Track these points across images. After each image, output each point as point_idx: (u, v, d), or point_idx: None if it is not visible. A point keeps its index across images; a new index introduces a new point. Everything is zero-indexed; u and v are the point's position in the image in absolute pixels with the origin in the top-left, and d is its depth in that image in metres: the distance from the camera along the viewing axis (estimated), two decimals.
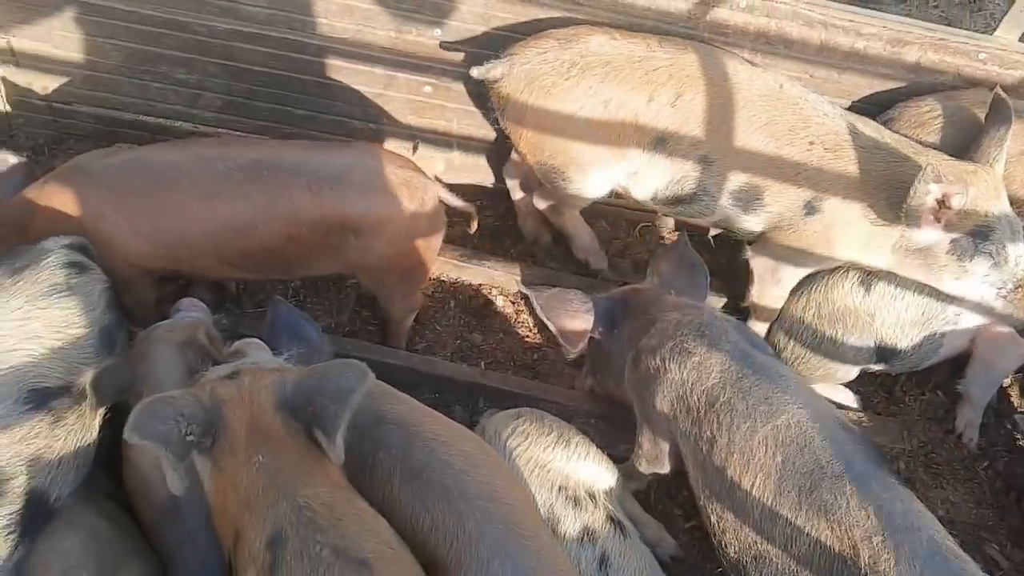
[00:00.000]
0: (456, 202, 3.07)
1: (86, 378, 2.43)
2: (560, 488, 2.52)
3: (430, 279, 3.53)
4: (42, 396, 2.35)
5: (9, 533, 2.21)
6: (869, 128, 3.00)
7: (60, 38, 3.51)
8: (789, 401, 2.40)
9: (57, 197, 2.81)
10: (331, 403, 2.01)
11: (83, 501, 2.40)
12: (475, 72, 3.11)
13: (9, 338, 2.37)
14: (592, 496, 2.57)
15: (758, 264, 3.21)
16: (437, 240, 3.08)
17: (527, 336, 3.49)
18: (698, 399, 2.48)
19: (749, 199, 3.04)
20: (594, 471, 2.66)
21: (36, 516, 2.28)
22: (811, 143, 2.95)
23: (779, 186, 3.00)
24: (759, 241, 3.19)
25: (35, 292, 2.47)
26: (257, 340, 2.58)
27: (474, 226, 3.24)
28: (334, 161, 2.87)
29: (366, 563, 1.87)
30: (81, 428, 2.43)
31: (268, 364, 2.28)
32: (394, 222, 2.89)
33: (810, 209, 2.99)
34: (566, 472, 2.57)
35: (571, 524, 2.46)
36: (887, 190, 2.91)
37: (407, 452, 2.21)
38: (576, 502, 2.51)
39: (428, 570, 2.04)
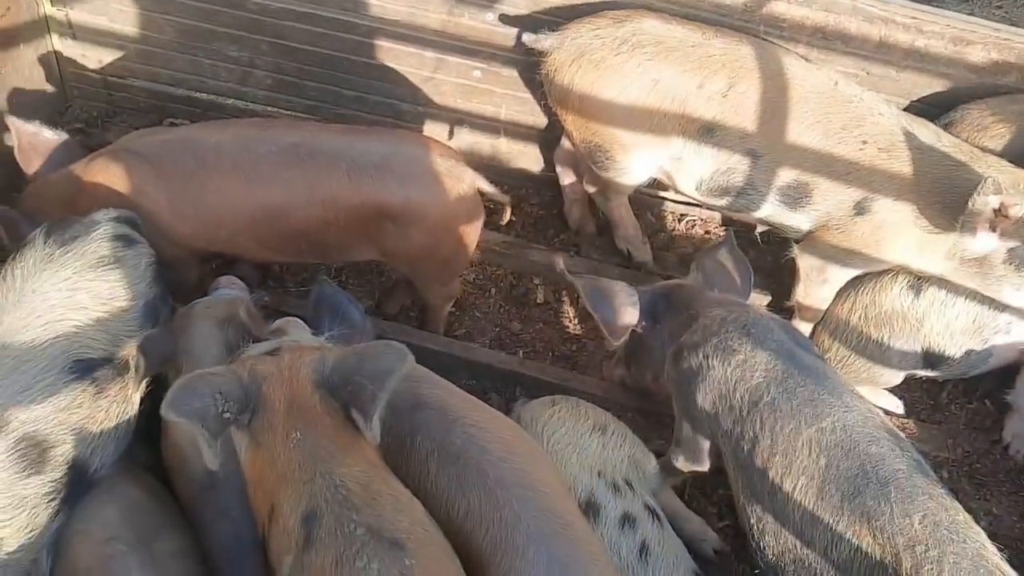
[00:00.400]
0: (492, 190, 3.04)
1: (131, 348, 2.47)
2: (599, 473, 2.51)
3: (472, 265, 3.52)
4: (87, 367, 2.39)
5: (50, 500, 2.25)
6: (926, 130, 2.93)
7: (117, 12, 3.55)
8: (835, 404, 2.36)
9: (102, 174, 2.84)
10: (369, 383, 2.01)
11: (122, 472, 2.44)
12: (526, 38, 3.10)
13: (57, 308, 2.41)
14: (629, 484, 2.55)
15: (804, 263, 3.16)
16: (475, 229, 3.06)
17: (567, 327, 3.47)
18: (741, 398, 2.44)
19: (797, 196, 3.00)
20: (631, 458, 2.64)
21: (77, 485, 2.31)
22: (864, 142, 2.89)
23: (829, 184, 2.95)
24: (806, 240, 3.13)
25: (83, 264, 2.51)
26: (298, 319, 2.59)
27: (506, 217, 3.22)
28: (375, 148, 2.85)
29: (400, 543, 1.88)
30: (123, 400, 2.47)
31: (309, 342, 2.29)
32: (433, 211, 2.87)
33: (860, 209, 2.94)
34: (604, 458, 2.56)
35: (612, 510, 2.44)
36: (941, 194, 2.84)
37: (445, 437, 2.21)
38: (616, 488, 2.50)
39: (462, 555, 2.04)
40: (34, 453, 2.24)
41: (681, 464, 2.74)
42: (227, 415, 1.99)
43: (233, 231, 2.89)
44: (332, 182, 2.79)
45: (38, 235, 2.57)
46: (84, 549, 2.19)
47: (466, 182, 2.92)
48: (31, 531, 2.21)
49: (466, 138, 3.66)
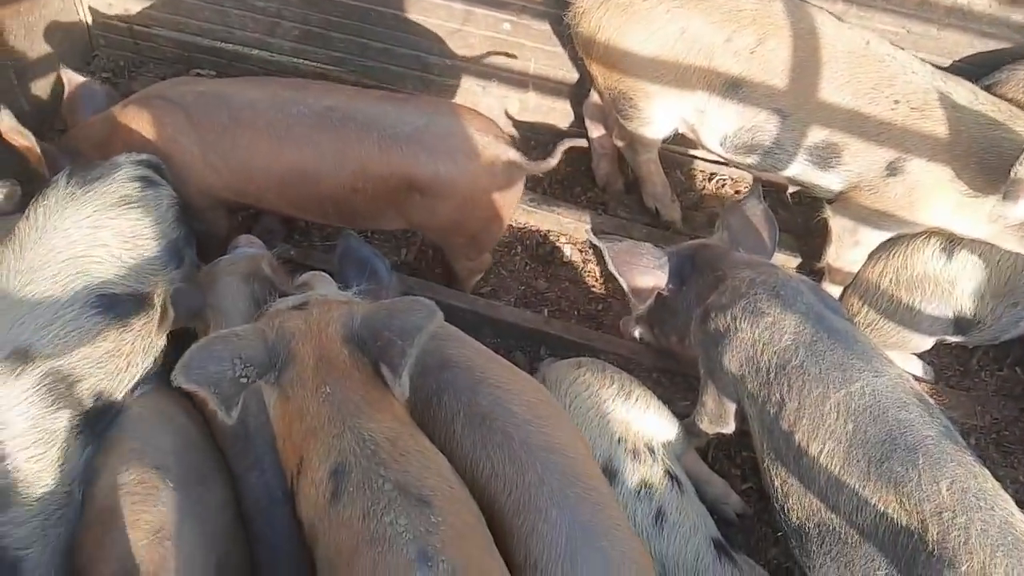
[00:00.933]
0: (532, 166, 2.91)
1: (159, 292, 2.51)
2: (620, 439, 2.50)
3: None
4: (110, 302, 2.42)
5: (79, 433, 2.30)
6: (962, 88, 2.86)
7: None
8: (864, 368, 2.33)
9: (136, 121, 2.85)
10: (398, 339, 2.01)
11: (178, 405, 2.48)
12: None
13: (78, 245, 2.44)
14: (651, 449, 2.54)
15: (836, 224, 3.12)
16: (508, 208, 3.00)
17: (593, 286, 3.45)
18: (769, 360, 2.42)
19: (826, 156, 2.95)
20: (654, 424, 2.63)
21: (104, 416, 2.37)
22: (896, 101, 2.83)
23: (860, 145, 2.89)
24: (838, 201, 3.08)
25: (105, 202, 2.53)
26: (324, 273, 2.59)
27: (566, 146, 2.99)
28: (408, 119, 2.80)
29: (426, 500, 1.89)
30: (148, 334, 2.50)
31: (336, 297, 2.29)
32: (462, 187, 2.82)
33: (892, 170, 2.88)
34: (626, 423, 2.55)
35: (629, 476, 2.45)
36: (978, 155, 2.78)
37: (472, 398, 2.21)
38: (635, 454, 2.50)
39: (486, 515, 2.05)
40: (61, 387, 2.28)
41: (705, 426, 2.74)
42: (244, 379, 1.98)
43: (262, 188, 2.88)
44: (362, 150, 2.76)
45: (61, 177, 2.59)
46: (135, 465, 2.23)
47: (502, 159, 2.84)
48: (63, 464, 2.25)
49: (494, 92, 3.62)
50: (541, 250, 3.52)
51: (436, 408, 2.23)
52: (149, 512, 2.12)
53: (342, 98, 2.85)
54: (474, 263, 3.20)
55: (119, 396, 2.44)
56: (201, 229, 2.90)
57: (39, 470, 2.21)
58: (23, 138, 2.76)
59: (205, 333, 2.47)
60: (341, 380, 2.03)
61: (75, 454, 2.28)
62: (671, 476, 2.52)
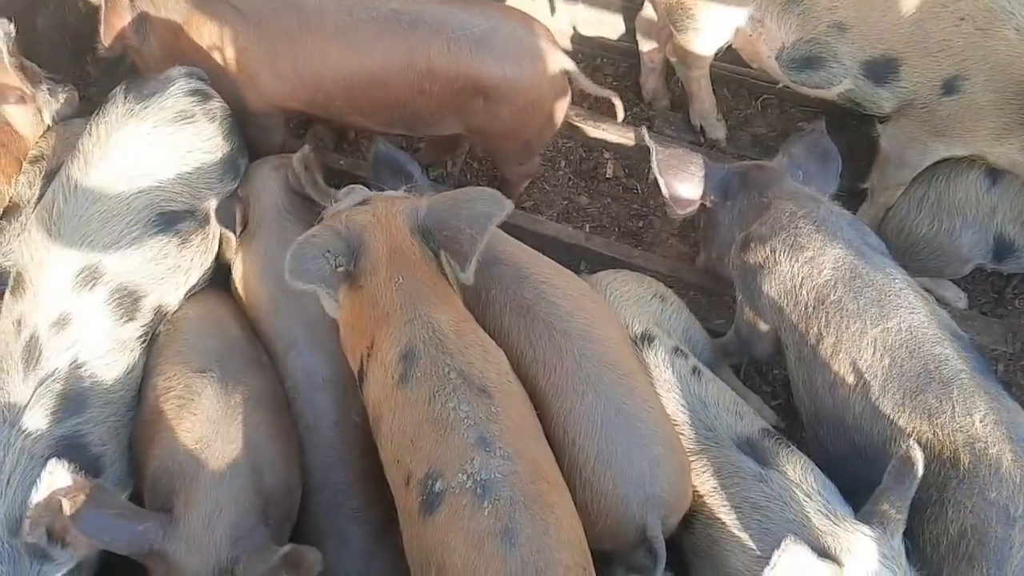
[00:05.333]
0: (586, 82, 3.00)
1: (213, 207, 2.63)
2: (656, 324, 2.60)
3: None
4: (170, 219, 2.53)
5: (143, 344, 2.48)
6: None
7: None
8: (901, 304, 2.37)
9: (204, 29, 2.84)
10: (467, 227, 2.12)
11: (225, 305, 2.61)
12: None
13: (140, 162, 2.53)
14: (682, 350, 2.64)
15: (884, 144, 3.08)
16: (561, 113, 3.04)
17: (634, 203, 3.47)
18: (807, 295, 2.46)
19: (883, 71, 2.89)
20: (684, 330, 2.73)
21: (158, 324, 2.54)
22: (961, 18, 2.75)
23: (918, 60, 2.83)
24: (889, 120, 3.04)
25: (162, 118, 2.59)
26: (359, 185, 2.63)
27: (620, 114, 3.17)
28: (477, 22, 2.80)
29: (487, 391, 2.02)
30: (205, 250, 2.63)
31: (396, 194, 2.39)
32: (525, 91, 2.85)
33: (948, 89, 2.83)
34: (661, 320, 2.66)
35: (665, 341, 2.54)
36: None
37: (517, 291, 2.34)
38: (668, 335, 2.59)
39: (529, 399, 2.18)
40: (128, 302, 2.44)
41: (740, 348, 2.78)
42: (340, 268, 2.13)
43: (330, 95, 2.88)
44: (431, 52, 2.77)
45: (118, 92, 2.64)
46: (182, 369, 2.38)
47: (559, 66, 2.89)
48: (131, 371, 2.43)
49: (543, 4, 3.58)
50: (585, 165, 3.54)
51: (485, 302, 2.35)
52: (190, 417, 2.26)
53: (408, 1, 2.84)
54: (525, 168, 3.24)
55: (174, 307, 2.58)
56: (260, 137, 2.95)
57: (112, 376, 2.38)
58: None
59: (246, 222, 2.63)
60: (412, 270, 2.15)
61: (139, 362, 2.46)
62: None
